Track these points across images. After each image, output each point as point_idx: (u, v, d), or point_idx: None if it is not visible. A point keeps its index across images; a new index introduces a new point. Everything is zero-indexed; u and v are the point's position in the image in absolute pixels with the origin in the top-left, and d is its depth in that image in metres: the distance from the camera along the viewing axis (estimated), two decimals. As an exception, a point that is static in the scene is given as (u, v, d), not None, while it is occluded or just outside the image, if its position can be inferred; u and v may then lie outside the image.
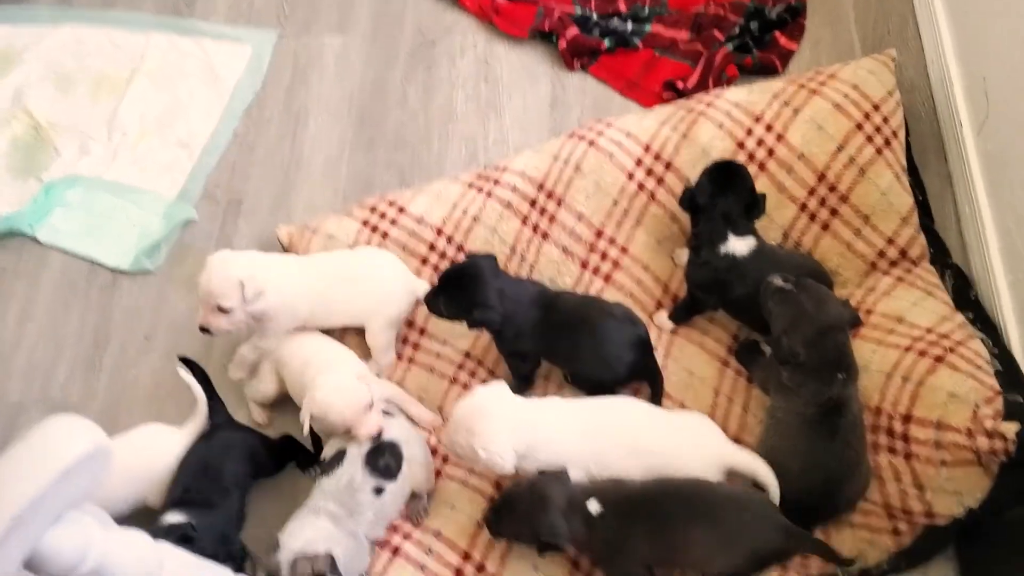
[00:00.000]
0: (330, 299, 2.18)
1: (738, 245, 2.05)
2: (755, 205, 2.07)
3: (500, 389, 1.90)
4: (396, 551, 1.93)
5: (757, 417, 2.07)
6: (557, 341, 2.07)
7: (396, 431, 1.95)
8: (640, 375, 2.10)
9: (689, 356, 2.19)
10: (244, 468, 2.04)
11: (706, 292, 2.15)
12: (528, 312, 2.04)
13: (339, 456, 1.90)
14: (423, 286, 2.20)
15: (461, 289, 2.01)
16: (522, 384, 2.16)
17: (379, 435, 1.90)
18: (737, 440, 2.00)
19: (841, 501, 1.91)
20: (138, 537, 1.35)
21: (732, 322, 2.21)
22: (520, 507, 1.81)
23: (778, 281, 1.94)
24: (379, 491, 1.88)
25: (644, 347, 2.07)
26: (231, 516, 1.97)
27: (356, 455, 1.89)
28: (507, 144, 2.63)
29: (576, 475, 1.86)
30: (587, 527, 1.78)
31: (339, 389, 1.91)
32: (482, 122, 2.68)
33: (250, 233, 2.56)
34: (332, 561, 1.76)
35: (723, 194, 2.06)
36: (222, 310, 2.04)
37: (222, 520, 1.93)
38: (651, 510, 1.78)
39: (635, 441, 1.89)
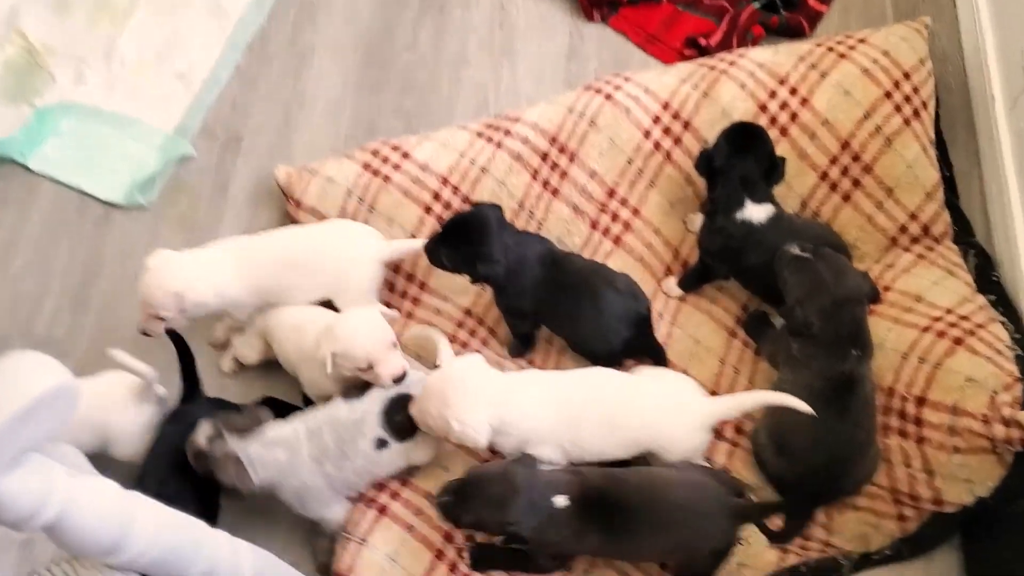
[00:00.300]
0: (282, 287, 2.06)
1: (755, 212, 1.97)
2: (774, 170, 2.00)
3: (476, 361, 1.82)
4: (383, 510, 1.87)
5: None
6: (557, 304, 1.99)
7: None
8: (638, 351, 2.03)
9: (696, 324, 2.13)
10: None
11: (719, 260, 2.07)
12: (533, 269, 1.95)
13: (365, 387, 1.84)
14: (403, 246, 2.10)
15: (465, 240, 1.92)
16: (522, 345, 2.10)
17: (402, 378, 1.83)
18: (742, 414, 1.94)
19: (847, 483, 1.86)
20: (107, 486, 1.27)
21: (742, 292, 2.15)
22: (489, 493, 1.68)
23: (795, 249, 1.87)
24: (382, 444, 1.81)
25: (643, 324, 2.00)
26: (201, 510, 1.89)
27: (379, 398, 1.83)
28: (519, 94, 2.53)
29: (552, 453, 1.79)
30: (548, 518, 1.67)
31: (364, 321, 1.85)
32: (495, 70, 2.58)
33: (247, 172, 2.47)
34: (246, 484, 1.76)
35: (742, 157, 1.97)
36: (160, 319, 1.97)
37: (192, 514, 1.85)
38: (609, 512, 1.69)
39: (613, 414, 1.82)
